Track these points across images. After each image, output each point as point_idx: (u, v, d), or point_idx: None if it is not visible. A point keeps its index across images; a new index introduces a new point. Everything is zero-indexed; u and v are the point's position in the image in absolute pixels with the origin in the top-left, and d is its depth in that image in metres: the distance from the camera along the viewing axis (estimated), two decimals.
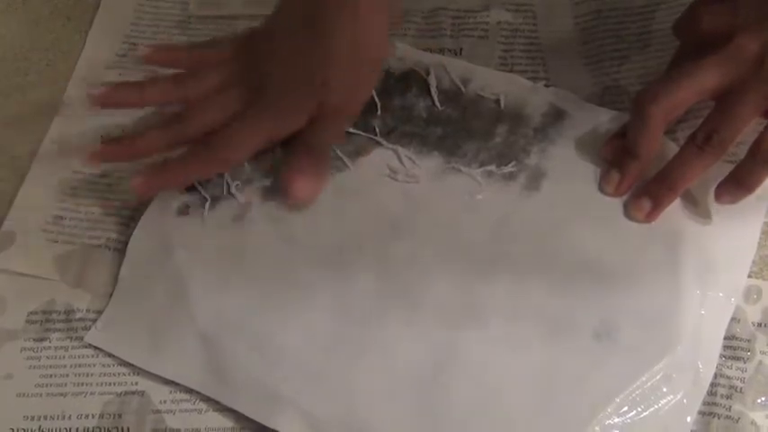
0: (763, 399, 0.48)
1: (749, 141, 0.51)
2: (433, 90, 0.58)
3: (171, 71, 0.55)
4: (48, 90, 0.61)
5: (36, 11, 0.66)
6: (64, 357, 0.51)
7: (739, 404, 0.48)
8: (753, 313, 0.51)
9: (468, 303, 0.50)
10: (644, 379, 0.47)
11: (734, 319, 0.50)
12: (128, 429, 0.48)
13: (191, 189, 0.55)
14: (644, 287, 0.50)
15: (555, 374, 0.48)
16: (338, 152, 0.56)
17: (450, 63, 0.60)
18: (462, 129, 0.57)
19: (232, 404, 0.48)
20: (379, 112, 0.58)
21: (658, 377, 0.47)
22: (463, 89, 0.59)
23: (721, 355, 0.49)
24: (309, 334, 0.50)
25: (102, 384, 0.50)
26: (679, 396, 0.47)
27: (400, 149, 0.56)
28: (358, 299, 0.51)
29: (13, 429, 0.48)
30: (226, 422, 0.48)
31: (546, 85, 0.59)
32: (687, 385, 0.48)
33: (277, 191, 0.54)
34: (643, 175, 0.53)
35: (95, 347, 0.51)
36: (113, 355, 0.50)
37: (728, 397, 0.48)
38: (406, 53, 0.61)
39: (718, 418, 0.48)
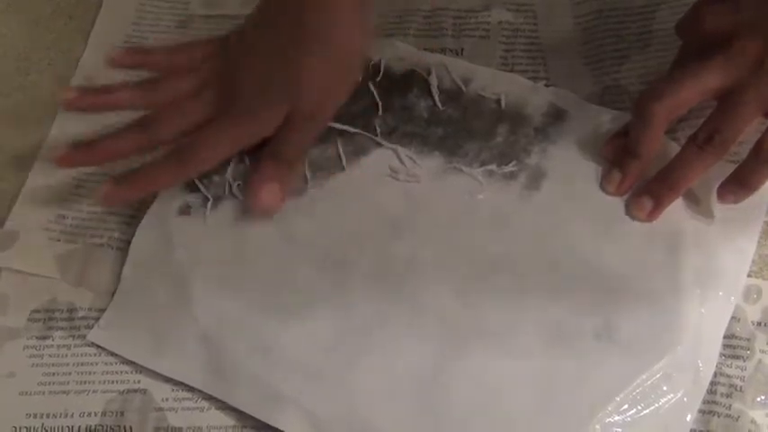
0: (762, 397, 0.48)
1: (751, 141, 0.51)
2: (434, 90, 0.59)
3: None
4: (49, 89, 0.61)
5: (37, 10, 0.66)
6: (66, 356, 0.51)
7: (739, 403, 0.48)
8: (752, 312, 0.51)
9: (468, 303, 0.50)
10: (644, 378, 0.47)
11: (734, 318, 0.50)
12: (130, 428, 0.48)
13: (193, 189, 0.55)
14: (644, 286, 0.50)
15: (555, 374, 0.48)
16: (340, 152, 0.56)
17: (452, 63, 0.60)
18: (463, 128, 0.57)
19: (234, 402, 0.48)
20: (380, 112, 0.58)
21: (658, 376, 0.48)
22: (464, 89, 0.59)
23: (721, 354, 0.49)
24: (310, 333, 0.50)
25: (104, 382, 0.50)
26: (679, 395, 0.47)
27: (401, 149, 0.56)
28: (359, 298, 0.51)
29: (15, 427, 0.48)
30: (228, 420, 0.49)
31: (546, 85, 0.60)
32: (687, 384, 0.48)
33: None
34: (644, 175, 0.53)
35: (98, 346, 0.51)
36: (116, 354, 0.50)
37: (728, 396, 0.48)
38: (406, 53, 0.61)
39: (718, 417, 0.48)
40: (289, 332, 0.50)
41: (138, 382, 0.50)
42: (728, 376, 0.49)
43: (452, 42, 0.63)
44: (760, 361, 0.49)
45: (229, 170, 0.55)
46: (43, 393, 0.50)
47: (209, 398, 0.49)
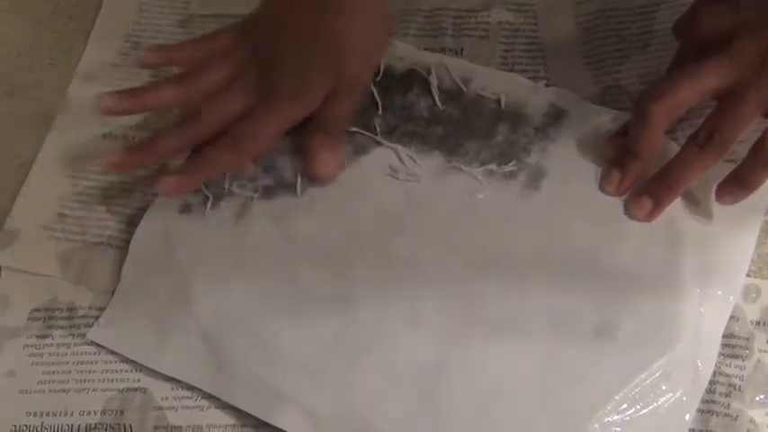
0: (761, 397, 0.48)
1: (750, 141, 0.51)
2: (434, 89, 0.59)
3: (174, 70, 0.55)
4: (50, 89, 0.62)
5: (38, 10, 0.66)
6: (66, 354, 0.51)
7: (738, 402, 0.48)
8: (752, 312, 0.51)
9: (468, 302, 0.50)
10: (643, 377, 0.47)
11: (733, 318, 0.50)
12: (130, 426, 0.48)
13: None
14: (644, 285, 0.50)
15: (555, 373, 0.48)
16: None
17: (452, 63, 0.60)
18: (463, 128, 0.57)
19: (234, 401, 0.48)
20: (380, 112, 0.58)
21: (657, 375, 0.48)
22: (464, 89, 0.59)
23: (720, 354, 0.49)
24: (310, 332, 0.50)
25: (104, 381, 0.50)
26: (678, 394, 0.47)
27: (401, 148, 0.56)
28: (359, 298, 0.51)
29: (15, 426, 0.49)
30: (227, 419, 0.49)
31: (546, 85, 0.60)
32: (686, 383, 0.48)
33: (278, 189, 0.55)
34: (644, 175, 0.53)
35: (97, 344, 0.51)
36: (115, 352, 0.51)
37: (727, 395, 0.48)
38: (407, 53, 0.61)
39: (717, 416, 0.48)
40: (289, 331, 0.50)
41: (138, 380, 0.50)
42: (727, 375, 0.49)
43: (452, 42, 0.63)
44: (759, 360, 0.49)
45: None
46: (43, 392, 0.50)
47: (209, 396, 0.49)
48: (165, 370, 0.50)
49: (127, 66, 0.62)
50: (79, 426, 0.49)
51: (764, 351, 0.49)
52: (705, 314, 0.50)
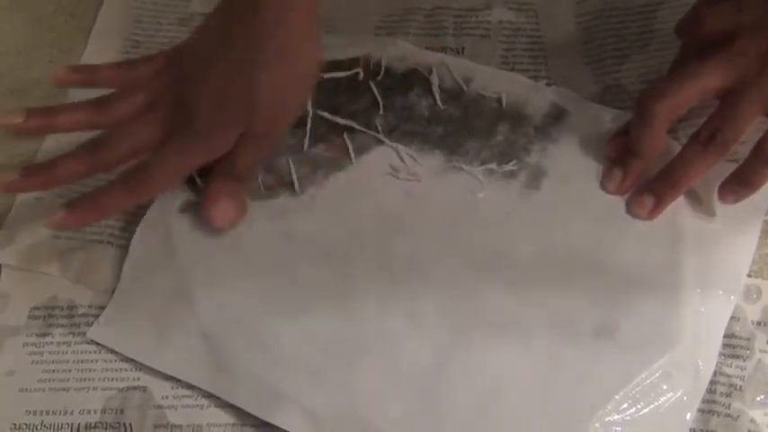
0: (762, 397, 0.48)
1: (752, 141, 0.51)
2: (435, 89, 0.59)
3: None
4: (50, 88, 0.61)
5: (39, 8, 0.66)
6: (66, 353, 0.51)
7: (738, 402, 0.48)
8: (752, 312, 0.51)
9: (468, 301, 0.50)
10: (644, 376, 0.47)
11: (733, 318, 0.50)
12: (129, 425, 0.48)
13: (194, 187, 0.55)
14: (644, 285, 0.50)
15: (555, 373, 0.48)
16: (349, 148, 0.56)
17: (452, 62, 0.60)
18: (464, 127, 0.57)
19: (234, 400, 0.48)
20: (381, 111, 0.58)
21: (658, 374, 0.48)
22: (465, 88, 0.59)
23: (721, 354, 0.49)
24: (310, 332, 0.50)
25: (104, 380, 0.50)
26: (679, 394, 0.47)
27: (402, 148, 0.56)
28: (359, 297, 0.51)
29: (15, 424, 0.48)
30: (227, 418, 0.49)
31: (547, 84, 0.60)
32: (687, 383, 0.48)
33: (278, 189, 0.55)
34: (645, 174, 0.53)
35: (97, 343, 0.51)
36: (115, 351, 0.50)
37: (728, 395, 0.48)
38: (408, 52, 0.61)
39: (718, 416, 0.48)
40: (289, 330, 0.50)
41: (138, 379, 0.50)
42: (728, 376, 0.49)
43: (453, 41, 0.63)
44: (759, 361, 0.49)
45: None
46: (43, 390, 0.50)
47: (209, 395, 0.49)
48: (165, 369, 0.50)
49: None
50: (79, 424, 0.48)
51: (765, 351, 0.49)
52: (706, 314, 0.50)
